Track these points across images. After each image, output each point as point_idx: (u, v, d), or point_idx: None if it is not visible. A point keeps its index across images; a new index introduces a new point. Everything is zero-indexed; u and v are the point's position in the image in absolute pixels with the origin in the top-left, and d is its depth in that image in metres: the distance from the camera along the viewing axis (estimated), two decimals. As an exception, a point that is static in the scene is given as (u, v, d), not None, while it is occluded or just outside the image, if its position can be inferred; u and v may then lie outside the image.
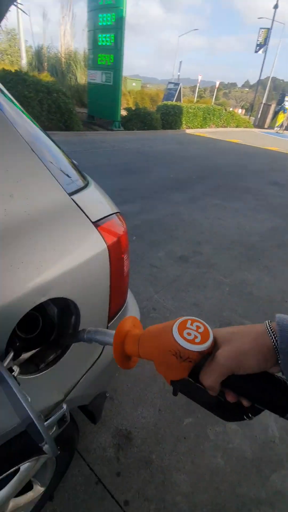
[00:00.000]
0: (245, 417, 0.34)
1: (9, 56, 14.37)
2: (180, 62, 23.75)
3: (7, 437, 0.53)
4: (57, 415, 0.36)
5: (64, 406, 0.38)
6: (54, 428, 0.36)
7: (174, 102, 12.19)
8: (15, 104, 0.70)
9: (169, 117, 11.25)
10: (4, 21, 0.81)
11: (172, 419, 1.36)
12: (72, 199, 0.63)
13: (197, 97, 22.99)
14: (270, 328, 0.32)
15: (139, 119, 9.91)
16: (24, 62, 11.54)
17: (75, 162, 0.87)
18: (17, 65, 11.75)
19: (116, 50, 8.02)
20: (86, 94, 9.91)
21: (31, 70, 10.97)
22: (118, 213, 0.82)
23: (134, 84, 14.84)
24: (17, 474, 0.68)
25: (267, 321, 0.33)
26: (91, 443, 1.20)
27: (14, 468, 0.64)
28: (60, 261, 0.56)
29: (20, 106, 0.73)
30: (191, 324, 0.36)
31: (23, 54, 11.54)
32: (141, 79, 20.16)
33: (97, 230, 0.67)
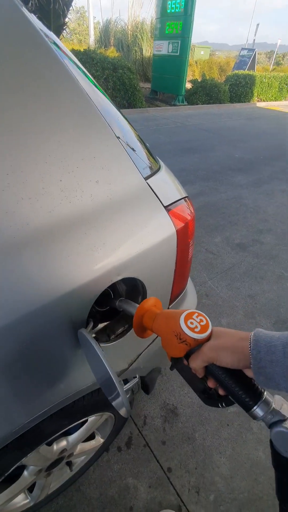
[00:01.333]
0: (219, 405, 0.41)
1: (77, 35, 14.52)
2: (257, 25, 20.44)
3: (82, 393, 0.62)
4: (133, 383, 0.40)
5: (137, 376, 0.42)
6: (129, 394, 0.40)
7: (246, 71, 10.94)
8: (91, 81, 0.70)
9: (238, 89, 10.18)
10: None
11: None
12: (148, 184, 0.64)
13: (273, 64, 19.82)
14: (252, 336, 0.37)
15: (204, 92, 9.23)
16: (92, 39, 11.49)
17: (147, 144, 0.88)
18: (85, 43, 11.79)
19: (186, 16, 7.45)
20: (151, 68, 9.57)
21: (98, 47, 10.94)
22: (186, 198, 0.82)
23: (202, 52, 13.53)
24: (85, 424, 0.80)
25: (253, 332, 0.38)
26: (141, 410, 1.30)
27: (84, 419, 0.75)
28: (134, 243, 0.59)
29: (96, 83, 0.74)
30: (197, 317, 0.42)
31: (91, 31, 11.45)
32: (210, 46, 18.31)
33: (168, 214, 0.68)
